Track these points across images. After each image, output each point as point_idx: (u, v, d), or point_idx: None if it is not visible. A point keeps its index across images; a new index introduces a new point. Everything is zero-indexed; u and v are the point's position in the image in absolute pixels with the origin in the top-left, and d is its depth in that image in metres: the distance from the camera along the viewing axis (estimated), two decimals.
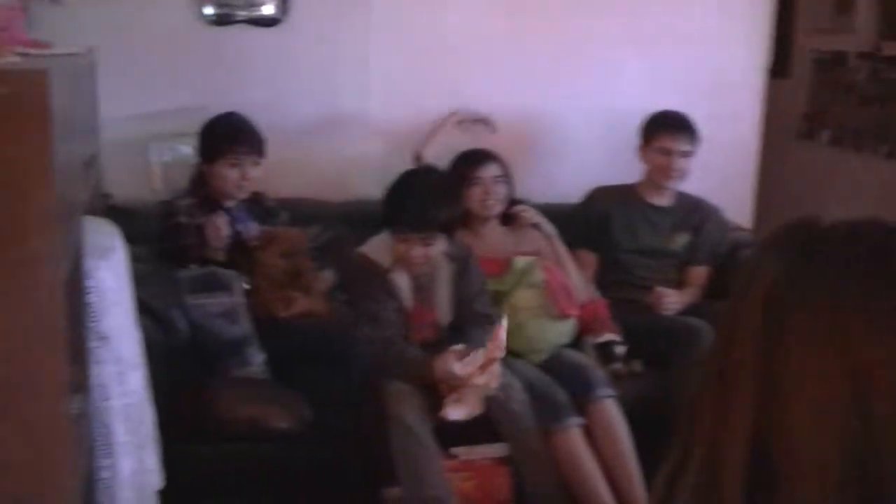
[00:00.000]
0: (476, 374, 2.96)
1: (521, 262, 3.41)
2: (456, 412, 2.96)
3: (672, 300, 3.60)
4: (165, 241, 3.27)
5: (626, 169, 3.83)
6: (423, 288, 3.21)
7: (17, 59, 1.75)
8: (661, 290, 3.62)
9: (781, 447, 0.78)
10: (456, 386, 2.98)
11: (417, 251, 3.09)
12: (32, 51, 2.04)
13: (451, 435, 3.00)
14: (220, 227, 3.27)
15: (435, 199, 3.09)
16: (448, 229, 3.14)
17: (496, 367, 3.01)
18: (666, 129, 3.70)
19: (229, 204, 3.42)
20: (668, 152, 3.70)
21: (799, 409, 0.78)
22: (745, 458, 0.79)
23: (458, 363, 2.97)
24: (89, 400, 1.99)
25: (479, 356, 2.98)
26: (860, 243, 0.85)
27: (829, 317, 0.80)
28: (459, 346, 3.04)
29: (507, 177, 3.60)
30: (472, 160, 3.58)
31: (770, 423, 0.79)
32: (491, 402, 3.01)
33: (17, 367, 1.43)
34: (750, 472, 0.79)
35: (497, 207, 3.57)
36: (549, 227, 3.62)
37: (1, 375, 1.43)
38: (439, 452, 2.95)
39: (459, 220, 3.26)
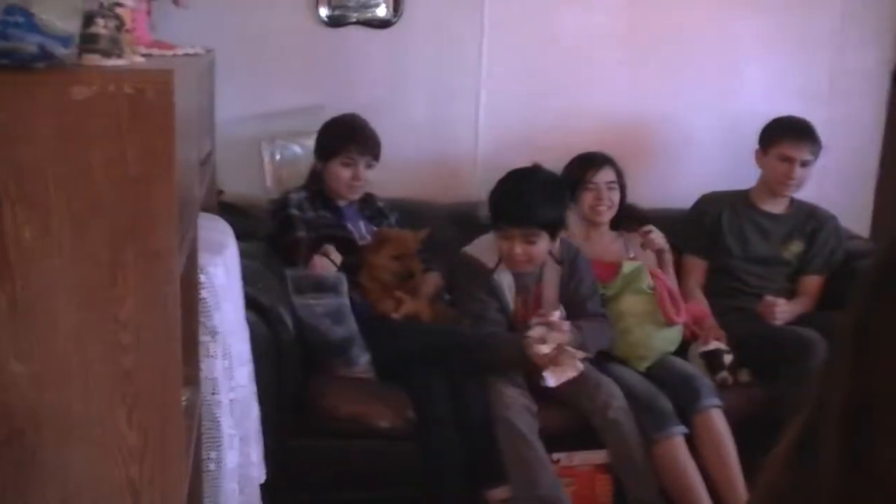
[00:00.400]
0: (548, 337, 2.99)
1: (629, 266, 3.37)
2: (552, 378, 2.97)
3: (783, 309, 3.50)
4: (278, 235, 3.33)
5: (743, 174, 3.76)
6: (527, 288, 3.20)
7: (142, 59, 1.80)
8: (771, 298, 3.52)
9: (879, 401, 0.85)
10: (544, 364, 2.99)
11: (519, 248, 3.08)
12: (156, 51, 2.10)
13: (553, 440, 2.99)
14: (326, 266, 3.28)
15: (539, 196, 3.09)
16: (552, 229, 3.13)
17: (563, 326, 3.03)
18: (788, 136, 3.61)
19: (341, 203, 3.46)
20: (788, 160, 3.60)
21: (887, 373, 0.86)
22: (846, 407, 0.87)
23: (536, 348, 2.98)
24: (199, 393, 2.03)
25: (547, 326, 3.01)
26: None
27: None
28: (532, 330, 3.03)
29: (620, 182, 3.57)
30: (587, 163, 3.55)
31: (867, 381, 0.86)
32: (592, 406, 3.02)
33: (136, 358, 1.47)
34: (850, 421, 0.86)
35: (608, 213, 3.54)
36: (669, 256, 3.57)
37: (120, 366, 1.47)
38: (547, 455, 2.94)
39: (565, 222, 3.23)
